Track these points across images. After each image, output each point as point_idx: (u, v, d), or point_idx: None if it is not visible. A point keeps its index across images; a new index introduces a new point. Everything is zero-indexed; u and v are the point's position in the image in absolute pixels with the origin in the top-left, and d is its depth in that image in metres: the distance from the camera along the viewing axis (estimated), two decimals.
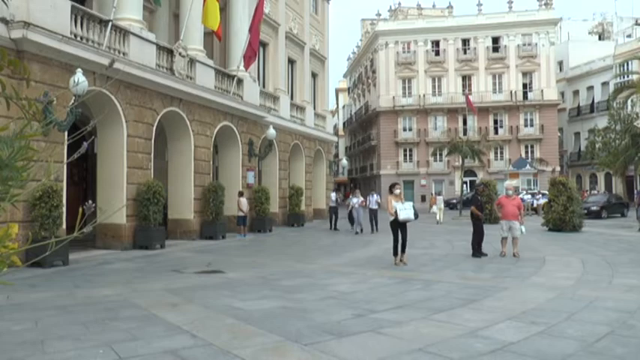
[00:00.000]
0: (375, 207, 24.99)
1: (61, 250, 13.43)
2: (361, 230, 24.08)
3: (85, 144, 2.02)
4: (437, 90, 59.06)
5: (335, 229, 26.19)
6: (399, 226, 13.42)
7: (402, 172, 58.15)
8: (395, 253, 13.57)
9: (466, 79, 58.56)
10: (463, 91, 56.45)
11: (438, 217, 31.02)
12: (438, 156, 51.65)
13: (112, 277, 11.96)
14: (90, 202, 1.70)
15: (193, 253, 16.87)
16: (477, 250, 15.15)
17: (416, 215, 13.38)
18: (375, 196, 25.63)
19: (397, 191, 13.68)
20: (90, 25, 16.08)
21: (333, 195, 28.25)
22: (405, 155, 59.47)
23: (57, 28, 14.31)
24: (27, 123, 1.46)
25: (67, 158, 1.70)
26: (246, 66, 23.46)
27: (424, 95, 58.64)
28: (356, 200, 24.84)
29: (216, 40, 23.13)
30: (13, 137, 1.36)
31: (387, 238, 21.16)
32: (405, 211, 13.18)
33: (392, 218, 13.39)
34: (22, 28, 13.17)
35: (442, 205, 32.28)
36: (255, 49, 23.15)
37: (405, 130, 59.60)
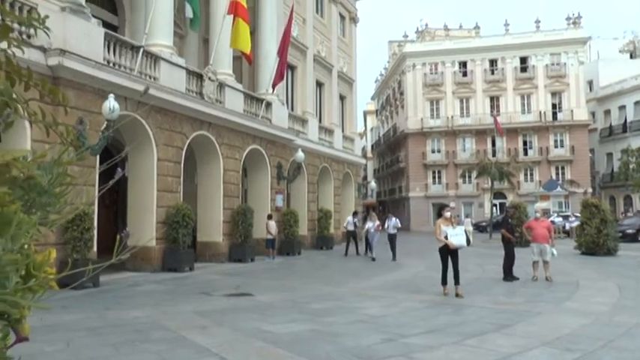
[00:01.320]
0: (393, 232, 22.72)
1: (92, 273, 13.55)
2: (373, 258, 22.33)
3: (120, 170, 2.04)
4: (465, 111, 58.70)
5: (357, 254, 24.82)
6: (449, 254, 12.25)
7: (430, 195, 57.77)
8: (443, 282, 12.40)
9: (494, 100, 58.10)
10: (491, 112, 56.06)
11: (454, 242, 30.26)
12: (467, 178, 51.15)
13: (142, 299, 12.03)
14: (128, 230, 1.71)
15: (222, 275, 16.91)
16: (509, 274, 14.89)
17: (468, 241, 12.40)
18: (393, 219, 23.42)
19: (447, 214, 12.55)
20: (122, 52, 16.45)
21: (350, 218, 26.38)
22: (433, 177, 59.09)
23: (91, 54, 14.65)
24: (65, 149, 1.46)
25: (99, 181, 1.71)
26: (273, 86, 23.52)
27: (452, 117, 58.33)
28: (371, 224, 23.51)
29: (245, 64, 23.40)
30: (52, 164, 1.36)
31: (416, 261, 21.06)
32: (456, 237, 12.04)
33: (441, 244, 12.24)
34: (59, 56, 13.51)
35: (471, 228, 31.86)
36: (283, 71, 23.29)
37: (433, 152, 59.29)
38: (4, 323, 1.12)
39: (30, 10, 13.58)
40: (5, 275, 1.08)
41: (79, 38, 14.35)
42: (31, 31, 1.55)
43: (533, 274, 14.88)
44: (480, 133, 57.34)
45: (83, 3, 15.41)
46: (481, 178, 45.55)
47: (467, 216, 38.21)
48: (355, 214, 26.67)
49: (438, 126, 58.77)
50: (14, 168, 1.15)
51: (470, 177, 48.02)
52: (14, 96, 1.37)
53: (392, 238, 22.62)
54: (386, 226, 23.31)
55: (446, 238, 12.04)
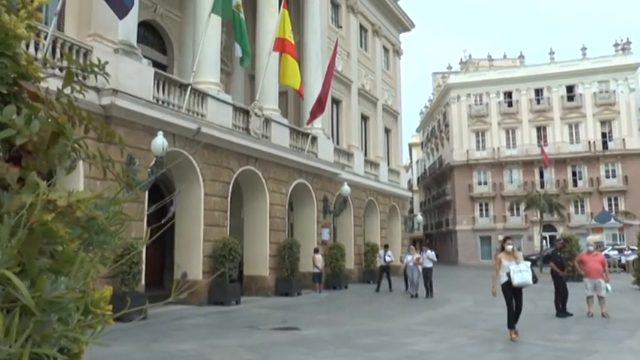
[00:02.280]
0: (429, 265, 21.05)
1: (140, 305, 13.74)
2: (416, 295, 20.70)
3: (172, 209, 2.10)
4: (511, 142, 57.76)
5: (390, 290, 23.62)
6: (513, 292, 10.89)
7: (478, 228, 56.85)
8: (510, 325, 10.94)
9: (541, 130, 56.96)
10: (538, 142, 55.07)
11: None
12: (515, 210, 50.29)
13: (189, 332, 12.11)
14: (186, 271, 1.75)
15: (269, 309, 16.89)
16: (562, 310, 14.41)
17: (534, 279, 10.95)
18: (428, 251, 21.90)
19: (509, 247, 11.16)
20: (171, 90, 16.93)
21: (382, 252, 25.16)
22: (480, 210, 58.08)
23: (141, 93, 15.13)
24: (121, 189, 1.53)
25: (148, 211, 1.79)
26: (310, 120, 23.54)
27: (498, 148, 57.50)
28: (410, 258, 21.88)
29: (290, 99, 23.73)
30: (109, 203, 1.41)
31: (464, 296, 20.62)
32: (519, 273, 10.61)
33: (503, 280, 10.87)
34: (111, 95, 13.98)
35: None
36: (324, 104, 23.33)
37: (479, 184, 58.43)
38: (64, 358, 1.15)
39: (86, 53, 14.20)
40: (68, 313, 1.11)
41: (130, 78, 14.84)
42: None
43: (588, 310, 14.35)
44: (527, 164, 56.31)
45: (135, 44, 15.99)
46: (529, 210, 44.62)
47: (519, 249, 37.17)
48: (387, 247, 25.84)
49: (484, 157, 58.02)
50: (78, 209, 1.18)
51: (518, 209, 47.15)
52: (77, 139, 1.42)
53: (427, 273, 20.94)
54: (422, 259, 21.43)
55: (508, 275, 10.68)
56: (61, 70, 1.50)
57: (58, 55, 13.25)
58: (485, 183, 58.16)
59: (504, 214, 55.97)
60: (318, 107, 22.88)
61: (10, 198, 1.12)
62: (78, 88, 1.46)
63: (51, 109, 1.38)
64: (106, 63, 1.55)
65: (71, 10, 15.15)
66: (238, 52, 18.26)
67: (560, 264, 15.26)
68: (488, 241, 55.38)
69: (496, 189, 57.17)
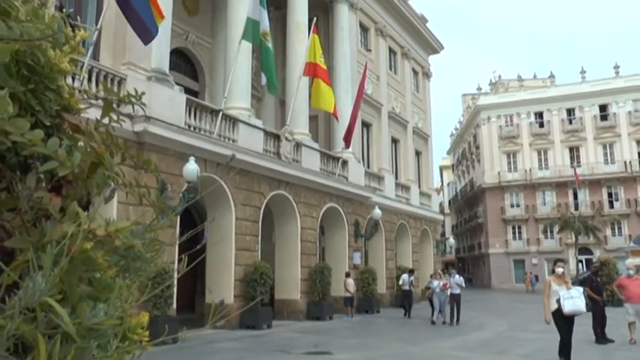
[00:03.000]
0: (457, 291, 19.91)
1: (172, 329, 13.82)
2: (443, 322, 19.82)
3: (207, 235, 2.14)
4: (543, 163, 56.76)
5: (408, 317, 22.76)
6: (565, 320, 10.06)
7: (511, 251, 55.82)
8: (564, 356, 10.31)
9: (574, 151, 55.78)
10: (571, 163, 54.13)
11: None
12: (548, 233, 49.33)
13: (221, 356, 12.11)
14: (223, 299, 1.79)
15: (300, 333, 16.81)
16: (601, 336, 14.01)
17: (587, 306, 10.24)
18: (455, 276, 20.72)
19: (560, 270, 10.32)
20: (202, 115, 17.18)
21: (406, 277, 24.34)
22: (513, 233, 56.99)
23: (173, 119, 15.38)
24: (156, 216, 1.54)
25: (179, 240, 1.85)
26: (347, 145, 23.64)
27: (530, 169, 56.52)
28: (437, 283, 20.68)
29: (320, 123, 23.85)
30: (144, 230, 1.43)
31: (498, 320, 20.27)
32: (570, 299, 9.71)
33: (554, 307, 10.00)
34: (144, 122, 14.23)
35: None
36: (352, 128, 23.35)
37: (512, 206, 57.43)
38: None
39: (120, 81, 14.56)
40: (107, 339, 1.13)
41: (162, 105, 15.11)
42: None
43: (630, 337, 13.90)
44: (560, 186, 55.24)
45: (167, 72, 16.32)
46: (564, 232, 43.84)
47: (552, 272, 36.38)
48: (412, 272, 25.19)
49: (516, 179, 57.12)
50: (117, 238, 1.21)
51: (552, 232, 46.25)
52: (115, 169, 1.44)
53: (455, 299, 19.86)
54: (448, 285, 20.21)
55: (558, 301, 9.85)
56: (96, 97, 1.56)
57: (94, 83, 13.58)
58: (518, 205, 57.17)
59: (538, 236, 54.91)
60: (348, 131, 23.02)
61: (52, 227, 1.13)
62: (115, 117, 1.48)
63: (90, 140, 1.40)
64: (143, 94, 1.58)
65: (106, 40, 15.56)
66: (264, 80, 18.49)
67: (597, 288, 14.86)
68: (521, 265, 54.39)
69: (529, 211, 56.15)
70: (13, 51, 1.12)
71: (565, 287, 9.89)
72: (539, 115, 57.81)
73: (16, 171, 1.24)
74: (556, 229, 41.31)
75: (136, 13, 12.89)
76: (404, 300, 24.16)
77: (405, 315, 23.24)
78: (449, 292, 20.01)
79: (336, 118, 22.71)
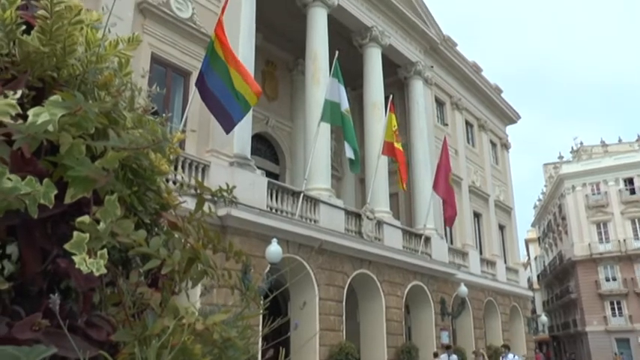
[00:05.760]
0: None
1: None
2: None
3: (297, 323, 2.20)
4: (639, 233, 53.17)
5: None
6: None
7: (612, 329, 51.38)
8: None
9: None
10: None
11: None
12: None
13: None
14: None
15: None
16: None
17: None
18: (509, 355, 19.13)
19: None
20: (283, 197, 17.27)
21: (445, 357, 21.55)
22: (612, 309, 52.61)
23: (255, 203, 15.50)
24: (247, 305, 1.69)
25: (263, 324, 2.03)
26: (449, 224, 23.21)
27: (625, 240, 52.88)
28: None
29: (401, 200, 23.55)
30: (236, 319, 1.55)
31: None
32: None
33: None
34: (227, 206, 14.36)
35: None
36: (454, 205, 22.94)
37: (607, 280, 53.48)
38: None
39: (204, 168, 14.93)
40: None
41: (245, 189, 15.26)
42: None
43: None
44: None
45: (249, 156, 16.62)
46: None
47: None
48: (449, 348, 23.38)
49: (609, 251, 53.48)
50: (215, 332, 1.26)
51: None
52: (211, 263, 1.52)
53: None
54: None
55: None
56: (194, 193, 1.75)
57: (179, 170, 13.92)
58: (615, 279, 53.20)
59: None
60: (450, 210, 22.57)
61: (154, 321, 1.20)
62: (207, 211, 1.62)
63: (187, 236, 1.51)
64: (234, 187, 1.75)
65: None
66: (349, 152, 18.37)
67: None
68: (626, 344, 49.87)
69: (628, 285, 52.02)
70: (121, 158, 1.20)
71: None
72: (629, 181, 54.57)
73: (118, 266, 1.32)
74: None
75: (219, 103, 13.22)
76: None
77: None
78: None
79: (404, 190, 22.18)
